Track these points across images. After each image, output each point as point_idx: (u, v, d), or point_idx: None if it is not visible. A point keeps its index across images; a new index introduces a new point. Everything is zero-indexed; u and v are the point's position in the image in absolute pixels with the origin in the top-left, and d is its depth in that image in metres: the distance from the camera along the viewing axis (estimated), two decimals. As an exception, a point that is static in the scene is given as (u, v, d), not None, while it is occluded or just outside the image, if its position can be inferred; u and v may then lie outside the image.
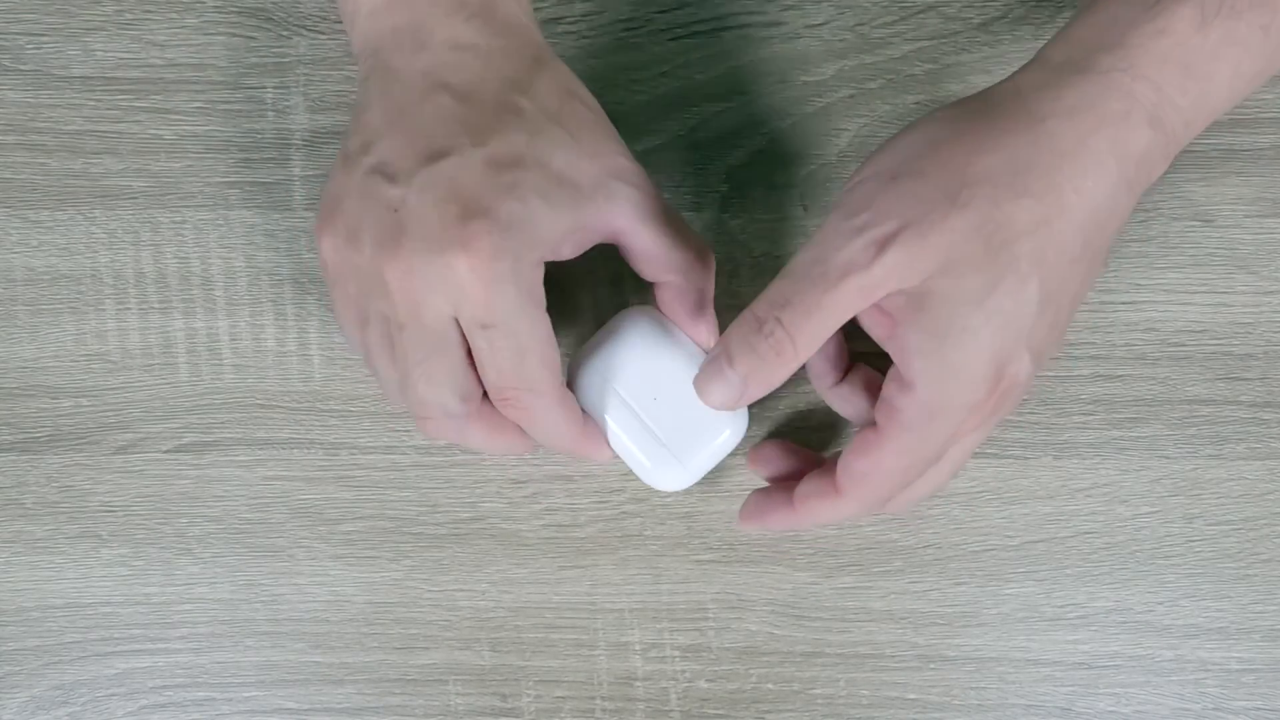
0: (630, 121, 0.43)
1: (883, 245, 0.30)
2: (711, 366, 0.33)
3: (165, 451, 0.44)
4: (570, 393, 0.36)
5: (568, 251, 0.34)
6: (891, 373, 0.32)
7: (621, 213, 0.34)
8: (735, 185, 0.43)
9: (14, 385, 0.44)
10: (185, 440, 0.44)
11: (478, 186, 0.31)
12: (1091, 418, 0.43)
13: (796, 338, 0.31)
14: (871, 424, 0.33)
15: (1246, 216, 0.42)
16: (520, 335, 0.32)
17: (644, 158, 0.43)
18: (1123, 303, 0.42)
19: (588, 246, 0.35)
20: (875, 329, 0.33)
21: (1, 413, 0.44)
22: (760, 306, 0.32)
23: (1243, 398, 0.42)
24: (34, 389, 0.44)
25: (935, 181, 0.30)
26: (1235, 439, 0.42)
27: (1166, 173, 0.41)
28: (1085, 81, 0.30)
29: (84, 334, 0.44)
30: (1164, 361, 0.42)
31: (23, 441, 0.44)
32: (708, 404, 0.34)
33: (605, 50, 0.43)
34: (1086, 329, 0.42)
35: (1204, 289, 0.42)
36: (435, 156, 0.32)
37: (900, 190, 0.30)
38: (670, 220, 0.35)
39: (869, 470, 0.33)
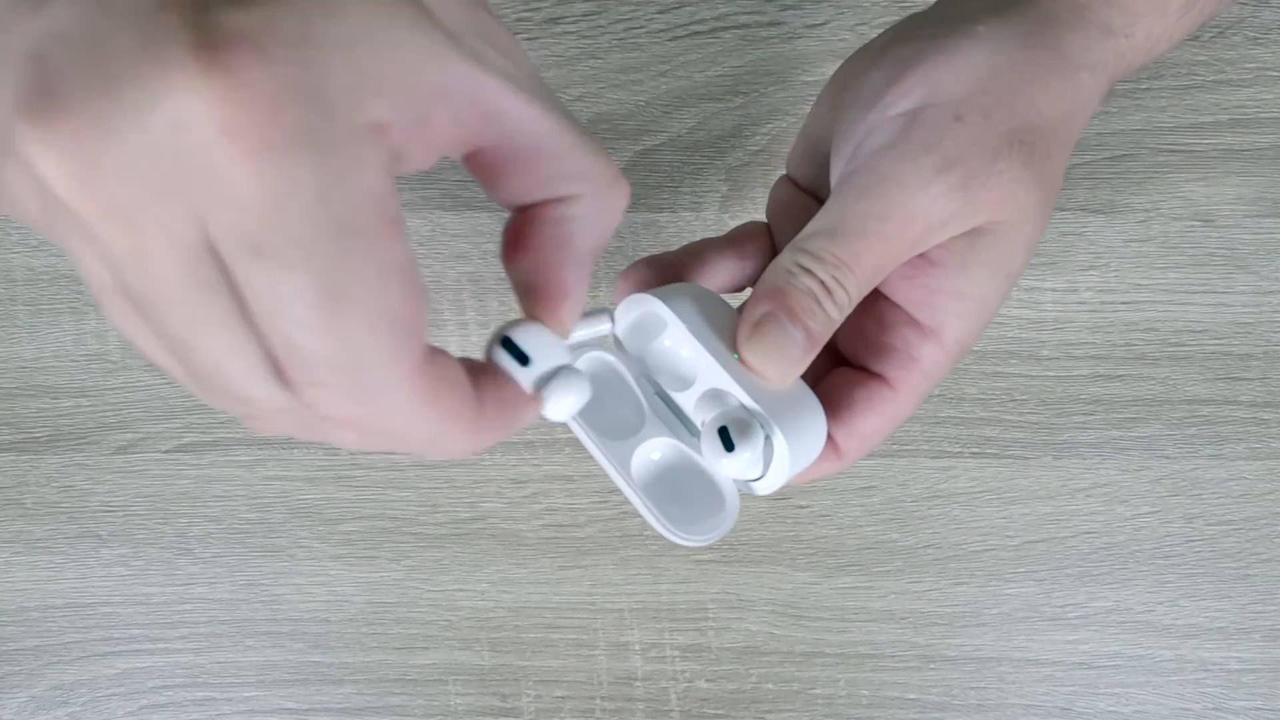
0: (630, 121, 0.43)
1: (951, 196, 0.27)
2: (769, 325, 0.27)
3: (165, 451, 0.44)
4: (448, 360, 0.20)
5: (419, 152, 0.18)
6: (896, 320, 0.30)
7: (498, 80, 0.19)
8: (735, 185, 0.43)
9: (14, 385, 0.44)
10: (185, 440, 0.44)
11: None
12: (1091, 418, 0.42)
13: (856, 297, 0.28)
14: (863, 374, 0.30)
15: (1246, 216, 0.42)
16: (332, 270, 0.17)
17: (644, 158, 0.43)
18: (1123, 303, 0.42)
19: (443, 148, 0.19)
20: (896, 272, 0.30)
21: (1, 413, 0.44)
22: (824, 269, 0.27)
23: (1243, 398, 0.42)
24: (34, 389, 0.44)
25: (1000, 126, 0.28)
26: (1235, 439, 0.42)
27: (1167, 173, 0.41)
28: (1101, 39, 0.30)
29: (84, 334, 0.44)
30: (1164, 361, 0.42)
31: (23, 441, 0.44)
32: (763, 372, 0.27)
33: (605, 50, 0.43)
34: (1086, 329, 0.42)
35: (1204, 289, 0.42)
36: None
37: (967, 134, 0.28)
38: (565, 112, 0.21)
39: (879, 428, 0.30)
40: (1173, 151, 0.42)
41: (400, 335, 0.18)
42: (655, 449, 0.29)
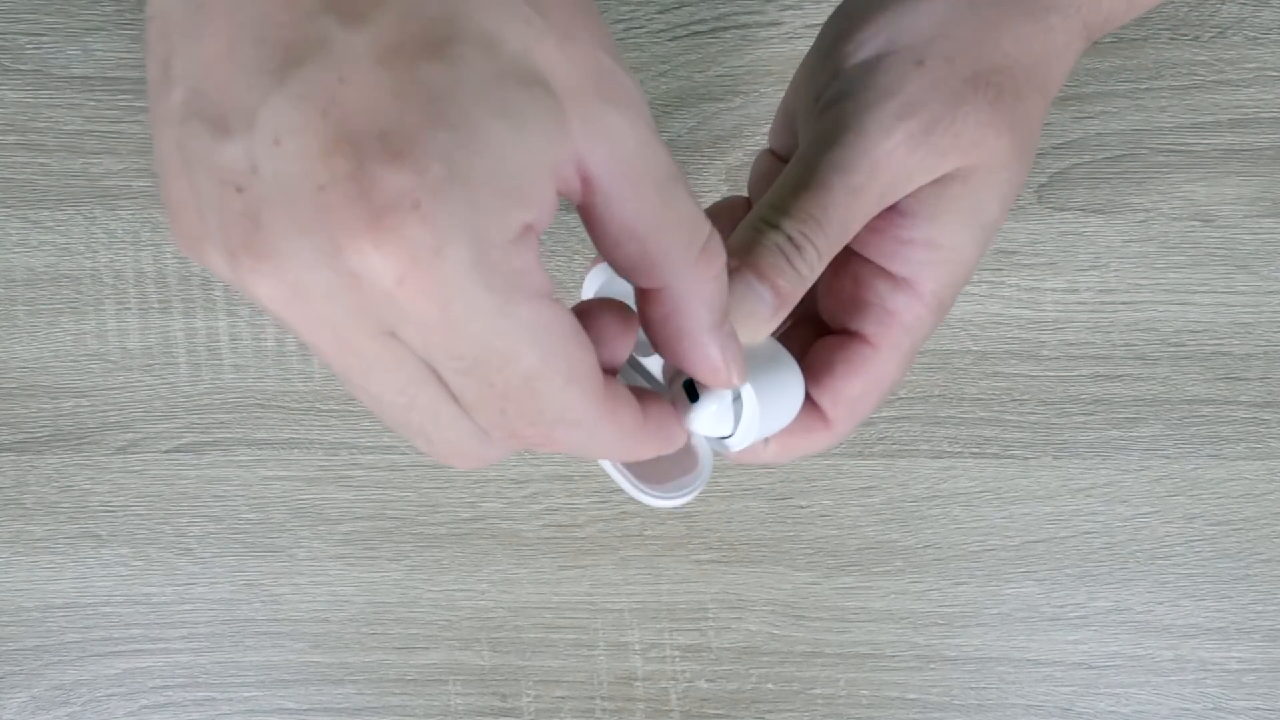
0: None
1: (915, 142, 0.26)
2: (735, 282, 0.26)
3: (165, 451, 0.44)
4: (619, 386, 0.23)
5: (548, 213, 0.19)
6: (869, 275, 0.29)
7: (604, 145, 0.19)
8: (735, 185, 0.43)
9: (14, 385, 0.44)
10: (185, 440, 0.44)
11: (374, 110, 0.17)
12: (1091, 418, 0.42)
13: (825, 253, 0.27)
14: (843, 337, 0.29)
15: (1246, 216, 0.42)
16: (521, 361, 0.19)
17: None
18: (1123, 303, 0.42)
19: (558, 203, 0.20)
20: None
21: (1, 413, 0.44)
22: (791, 224, 0.27)
23: (1243, 398, 0.42)
24: (34, 389, 0.44)
25: (963, 69, 0.27)
26: (1235, 439, 0.42)
27: (1167, 173, 0.41)
28: None
29: (84, 334, 0.44)
30: (1164, 361, 0.42)
31: (23, 441, 0.44)
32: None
33: (605, 50, 0.43)
34: (1086, 329, 0.42)
35: (1204, 289, 0.42)
36: (284, 67, 0.17)
37: (929, 78, 0.27)
38: (673, 179, 0.21)
39: (866, 390, 0.29)
40: (1173, 151, 0.42)
41: (585, 383, 0.21)
42: None
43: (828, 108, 0.28)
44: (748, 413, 0.27)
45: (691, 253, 0.21)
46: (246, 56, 0.17)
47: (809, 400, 0.29)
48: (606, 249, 0.21)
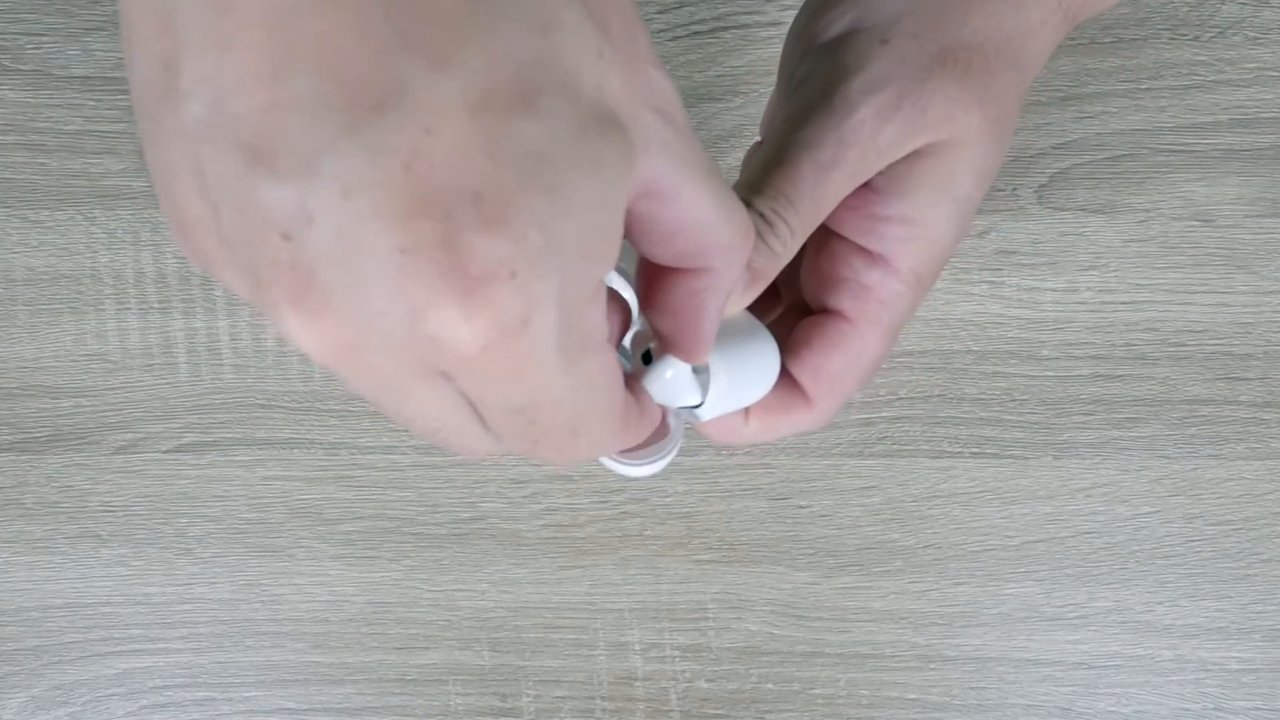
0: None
1: (883, 118, 0.27)
2: None
3: (165, 451, 0.44)
4: (629, 396, 0.23)
5: (618, 256, 0.19)
6: (846, 253, 0.29)
7: (661, 156, 0.19)
8: (735, 185, 0.43)
9: (14, 385, 0.44)
10: (185, 440, 0.44)
11: (466, 168, 0.15)
12: (1091, 418, 0.42)
13: (798, 230, 0.27)
14: (821, 315, 0.30)
15: (1246, 216, 0.42)
16: (572, 409, 0.19)
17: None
18: (1123, 303, 0.42)
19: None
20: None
21: (1, 413, 0.44)
22: (762, 201, 0.27)
23: (1243, 398, 0.42)
24: (34, 389, 0.44)
25: (930, 46, 0.27)
26: (1235, 439, 0.42)
27: (1167, 173, 0.41)
28: None
29: (84, 334, 0.44)
30: (1164, 361, 0.42)
31: (23, 441, 0.44)
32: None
33: (605, 50, 0.43)
34: (1086, 329, 0.42)
35: (1204, 289, 0.42)
36: (356, 108, 0.15)
37: (895, 55, 0.27)
38: (714, 171, 0.21)
39: (846, 366, 0.29)
40: (1173, 151, 0.42)
41: (618, 414, 0.21)
42: None
43: (797, 87, 0.28)
44: (715, 381, 0.27)
45: (739, 236, 0.22)
46: (301, 88, 0.15)
47: (790, 378, 0.30)
48: (653, 244, 0.21)
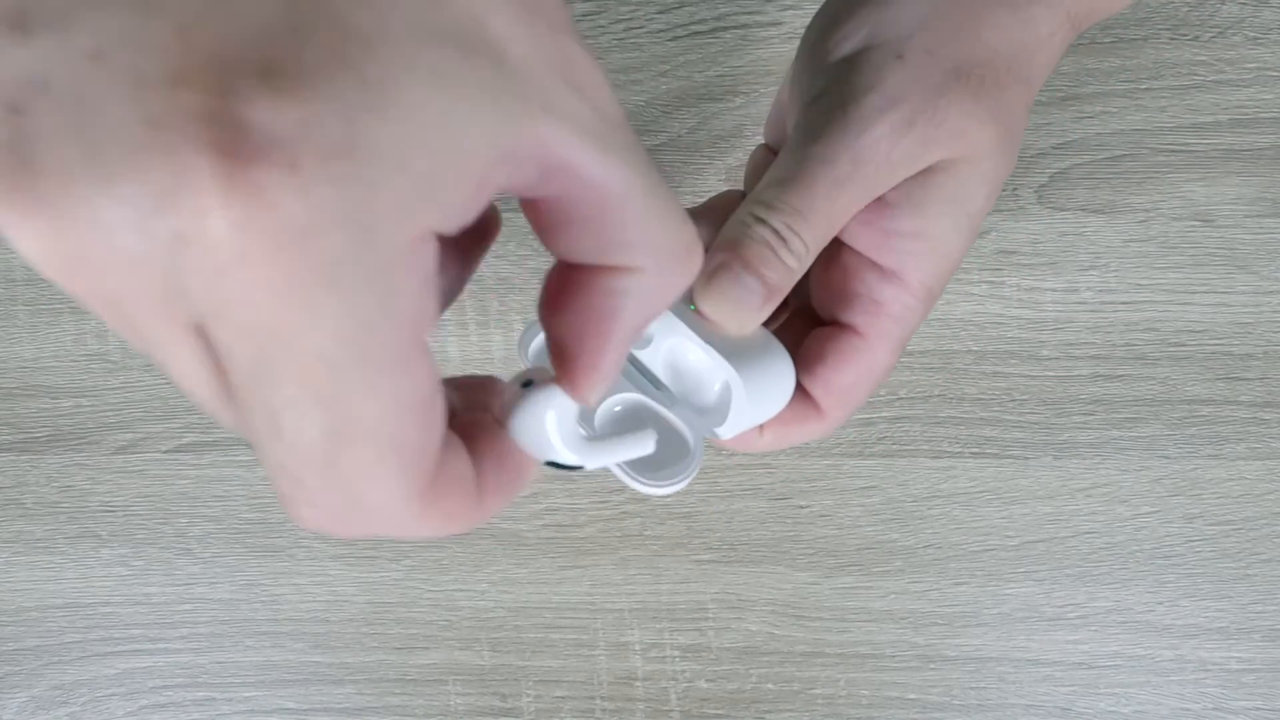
0: (630, 122, 0.43)
1: (898, 134, 0.27)
2: (723, 275, 0.26)
3: (165, 451, 0.44)
4: (460, 460, 0.18)
5: (461, 213, 0.15)
6: (858, 267, 0.29)
7: (566, 132, 0.16)
8: (735, 185, 0.43)
9: (14, 385, 0.44)
10: (185, 440, 0.44)
11: (259, 38, 0.13)
12: (1091, 418, 0.42)
13: (812, 245, 0.28)
14: (833, 328, 0.30)
15: (1246, 216, 0.42)
16: (340, 415, 0.14)
17: (644, 158, 0.43)
18: (1123, 303, 0.42)
19: (485, 203, 0.16)
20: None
21: (1, 413, 0.44)
22: (777, 217, 0.27)
23: (1243, 398, 0.42)
24: (34, 389, 0.44)
25: (944, 61, 0.27)
26: (1235, 439, 0.42)
27: (1167, 173, 0.41)
28: None
29: (84, 334, 0.44)
30: (1164, 361, 0.42)
31: (23, 441, 0.44)
32: (719, 320, 0.27)
33: (605, 50, 0.43)
34: (1086, 329, 0.42)
35: (1204, 289, 0.42)
36: None
37: (910, 71, 0.27)
38: (650, 170, 0.18)
39: (858, 379, 0.29)
40: (1173, 151, 0.42)
41: (409, 463, 0.16)
42: (617, 403, 0.29)
43: (812, 103, 0.28)
44: (736, 400, 0.27)
45: (677, 241, 0.18)
46: None
47: (802, 390, 0.30)
48: (570, 237, 0.17)
